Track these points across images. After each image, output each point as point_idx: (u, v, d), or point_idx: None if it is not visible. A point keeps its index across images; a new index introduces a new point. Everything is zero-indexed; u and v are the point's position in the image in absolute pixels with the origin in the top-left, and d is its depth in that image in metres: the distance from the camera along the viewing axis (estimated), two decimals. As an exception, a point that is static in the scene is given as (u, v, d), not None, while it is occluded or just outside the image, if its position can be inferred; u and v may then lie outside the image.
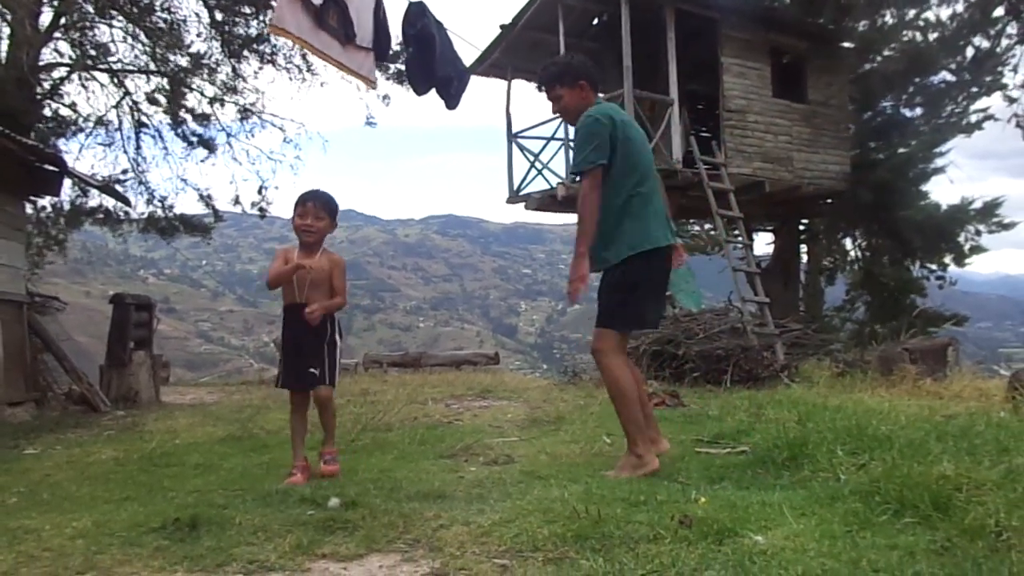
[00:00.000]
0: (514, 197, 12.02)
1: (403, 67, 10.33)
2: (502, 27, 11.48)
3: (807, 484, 3.09)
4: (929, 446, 3.29)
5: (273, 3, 4.46)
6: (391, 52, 6.25)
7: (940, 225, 13.22)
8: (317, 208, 3.77)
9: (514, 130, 11.98)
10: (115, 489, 3.55)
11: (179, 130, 13.00)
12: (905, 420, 3.98)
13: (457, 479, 3.63)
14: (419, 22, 5.33)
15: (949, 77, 13.80)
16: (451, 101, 5.68)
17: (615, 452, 4.21)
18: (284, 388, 3.87)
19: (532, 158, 11.71)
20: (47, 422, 6.60)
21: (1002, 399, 5.11)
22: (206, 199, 13.71)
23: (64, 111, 12.39)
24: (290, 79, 13.17)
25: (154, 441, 5.01)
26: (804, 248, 14.69)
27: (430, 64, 5.47)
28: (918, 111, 14.17)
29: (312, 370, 3.70)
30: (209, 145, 13.25)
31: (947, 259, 13.77)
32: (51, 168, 7.74)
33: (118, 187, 12.71)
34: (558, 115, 4.04)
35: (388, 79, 12.62)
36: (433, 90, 5.62)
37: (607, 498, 3.03)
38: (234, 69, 12.89)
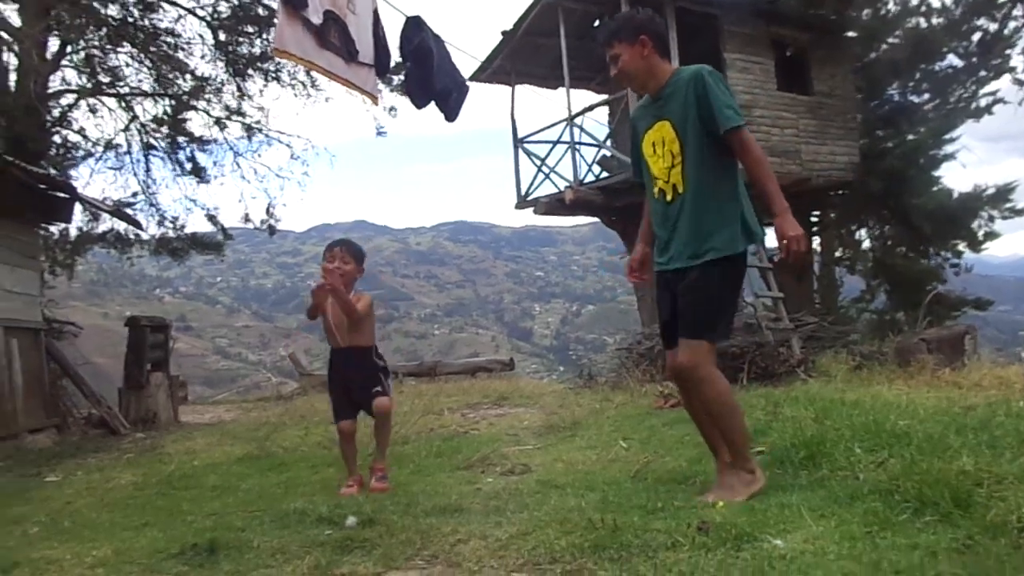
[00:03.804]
0: (522, 202, 12.02)
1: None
2: (504, 33, 11.51)
3: (826, 484, 3.06)
4: (948, 440, 3.25)
5: (275, 22, 4.45)
6: (391, 67, 6.25)
7: (953, 212, 13.10)
8: (344, 253, 3.94)
9: (520, 135, 12.00)
10: (134, 515, 3.57)
11: (176, 155, 13.09)
12: (923, 413, 3.93)
13: (474, 491, 3.62)
14: (416, 37, 5.34)
15: (956, 62, 13.71)
16: (451, 114, 5.68)
17: (631, 457, 4.20)
18: (339, 422, 3.98)
19: (539, 163, 11.71)
20: (68, 447, 6.66)
21: (1023, 387, 5.05)
22: (214, 219, 13.79)
23: (73, 137, 12.54)
24: (295, 95, 13.27)
25: (172, 463, 5.04)
26: (817, 240, 14.59)
27: (428, 78, 5.48)
28: (926, 97, 14.07)
29: (376, 389, 3.89)
30: (199, 173, 13.33)
31: (961, 246, 13.64)
32: (62, 195, 7.82)
33: (129, 210, 12.84)
34: (618, 78, 3.35)
35: (392, 91, 12.68)
36: (433, 103, 5.64)
37: (624, 506, 3.02)
38: (239, 88, 13.00)
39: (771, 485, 3.21)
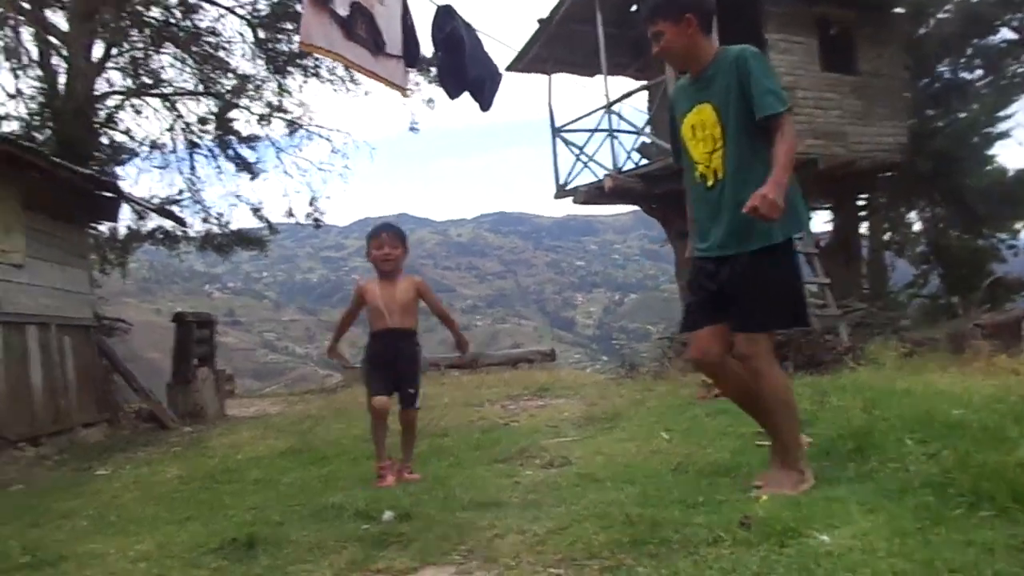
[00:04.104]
0: (561, 192, 11.94)
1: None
2: (540, 22, 11.41)
3: (875, 476, 2.96)
4: (1006, 430, 3.11)
5: (302, 13, 4.44)
6: (421, 57, 6.21)
7: (1009, 191, 12.62)
8: (391, 238, 4.03)
9: (558, 124, 11.90)
10: (178, 509, 3.63)
11: (227, 152, 13.30)
12: (979, 402, 3.78)
13: (512, 485, 3.59)
14: (448, 25, 5.29)
15: (1010, 35, 13.17)
16: (484, 103, 5.63)
17: (672, 449, 4.12)
18: (371, 396, 3.95)
19: (577, 152, 11.61)
20: (119, 441, 6.83)
21: (1085, 373, 4.84)
22: (259, 214, 14.01)
23: (120, 137, 12.83)
24: (334, 90, 13.39)
25: (216, 457, 5.12)
26: (865, 224, 14.20)
27: (461, 67, 5.42)
28: (979, 73, 13.56)
29: (411, 390, 3.99)
30: (252, 169, 13.53)
31: (1018, 225, 13.15)
32: (108, 195, 8.00)
33: (175, 207, 13.12)
34: (660, 57, 3.21)
35: (431, 82, 12.68)
36: (467, 93, 5.59)
37: (664, 500, 2.96)
38: (280, 85, 13.15)
39: (818, 478, 3.11)
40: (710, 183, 3.10)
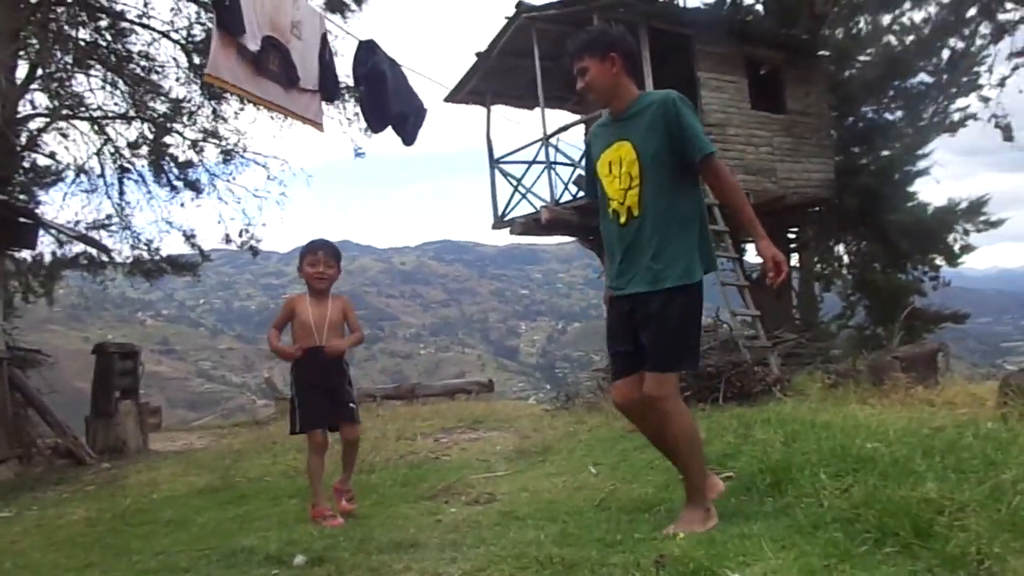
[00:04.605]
0: (499, 222, 11.96)
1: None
2: (478, 55, 11.49)
3: (790, 511, 2.99)
4: (914, 464, 3.19)
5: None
6: (340, 92, 6.16)
7: (928, 227, 13.18)
8: (327, 256, 3.97)
9: (496, 155, 11.96)
10: (80, 554, 3.44)
11: (161, 178, 12.97)
12: (892, 435, 3.86)
13: (434, 524, 3.53)
14: (369, 60, 5.27)
15: (927, 79, 13.86)
16: (408, 137, 5.61)
17: (599, 484, 4.11)
18: (309, 431, 3.80)
19: (515, 183, 11.67)
20: (29, 480, 6.49)
21: (994, 405, 5.01)
22: (191, 240, 13.65)
23: (44, 161, 12.38)
24: (271, 117, 13.16)
25: (130, 497, 4.90)
26: (796, 257, 14.63)
27: (384, 102, 5.40)
28: (899, 114, 14.19)
29: (351, 405, 3.93)
30: (196, 187, 13.22)
31: (938, 260, 13.71)
32: (26, 220, 7.69)
33: (103, 232, 12.69)
34: (583, 92, 3.25)
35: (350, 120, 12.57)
36: (390, 128, 5.57)
37: (584, 539, 2.94)
38: (215, 111, 12.90)
39: (736, 513, 3.14)
40: (623, 220, 3.13)
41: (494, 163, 11.90)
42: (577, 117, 12.32)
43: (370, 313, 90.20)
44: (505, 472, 4.85)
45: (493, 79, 11.70)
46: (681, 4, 12.93)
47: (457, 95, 11.82)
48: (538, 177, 11.36)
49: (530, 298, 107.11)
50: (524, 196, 11.52)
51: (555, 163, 11.02)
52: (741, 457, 4.04)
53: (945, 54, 13.38)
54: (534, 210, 11.23)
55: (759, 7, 14.25)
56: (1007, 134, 13.47)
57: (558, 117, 13.36)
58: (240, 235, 13.68)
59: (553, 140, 11.00)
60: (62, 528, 4.19)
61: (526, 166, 11.64)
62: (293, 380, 3.94)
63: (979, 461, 3.20)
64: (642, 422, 3.27)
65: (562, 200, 10.99)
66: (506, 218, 11.81)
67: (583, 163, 11.18)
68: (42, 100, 11.84)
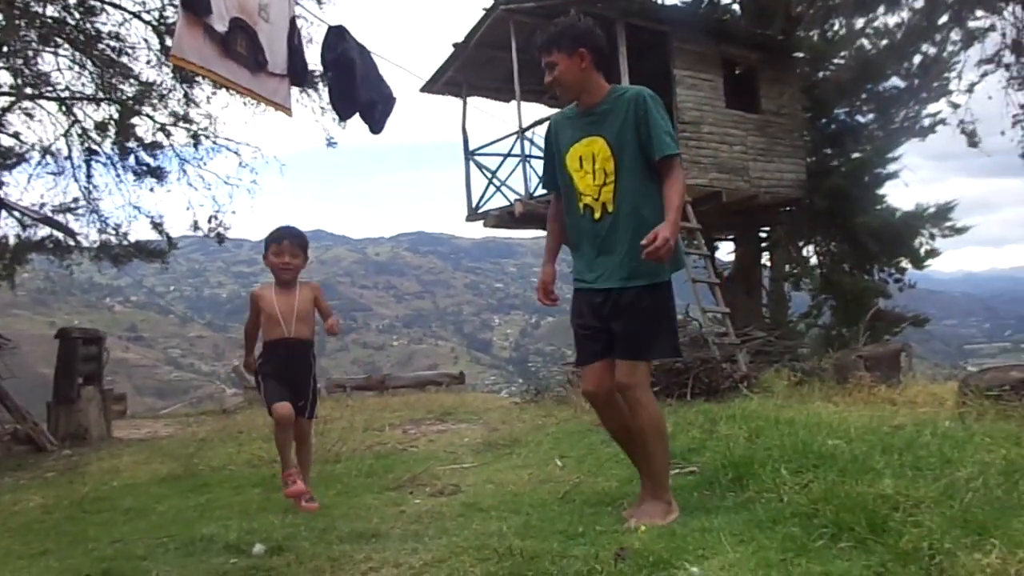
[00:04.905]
0: (473, 215, 11.93)
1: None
2: (455, 46, 11.43)
3: (750, 506, 3.02)
4: (873, 461, 3.25)
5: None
6: (310, 78, 6.07)
7: (896, 230, 13.38)
8: (293, 246, 3.92)
9: (471, 147, 11.93)
10: (34, 542, 3.38)
11: (126, 161, 12.72)
12: (854, 433, 3.93)
13: (397, 514, 3.51)
14: (339, 46, 5.20)
15: (899, 83, 14.04)
16: (375, 126, 5.54)
17: (564, 476, 4.12)
18: (277, 403, 3.76)
19: (490, 175, 11.65)
20: (-15, 466, 6.35)
21: (953, 405, 5.11)
22: (159, 226, 13.42)
23: (7, 141, 12.08)
24: (244, 104, 12.96)
25: (89, 484, 4.81)
26: (767, 256, 14.78)
27: (352, 89, 5.33)
28: (871, 117, 14.36)
29: (300, 403, 3.86)
30: (158, 174, 12.97)
31: (905, 263, 13.93)
32: (-13, 202, 7.51)
33: (70, 216, 12.42)
34: (551, 86, 3.22)
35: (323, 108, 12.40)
36: (358, 115, 5.50)
37: (546, 531, 2.95)
38: (186, 95, 12.67)
39: (697, 507, 3.17)
40: (597, 215, 3.14)
41: (469, 155, 11.87)
42: (553, 111, 12.31)
43: (343, 303, 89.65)
44: (472, 464, 4.85)
45: (470, 70, 11.66)
46: (658, 1, 12.95)
47: (433, 85, 11.76)
48: (513, 170, 11.35)
49: (504, 291, 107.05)
50: (499, 189, 11.50)
51: (530, 156, 11.00)
52: (705, 452, 4.08)
53: (917, 59, 13.56)
54: (508, 203, 11.22)
55: (736, 7, 14.34)
56: (971, 140, 13.71)
57: (534, 110, 13.39)
58: (209, 222, 13.47)
59: (529, 133, 10.98)
60: (17, 515, 4.12)
61: (501, 159, 11.62)
62: (259, 365, 3.94)
63: (936, 459, 3.27)
64: (608, 411, 3.27)
65: (536, 194, 10.99)
66: (480, 210, 11.79)
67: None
68: (6, 78, 11.57)
